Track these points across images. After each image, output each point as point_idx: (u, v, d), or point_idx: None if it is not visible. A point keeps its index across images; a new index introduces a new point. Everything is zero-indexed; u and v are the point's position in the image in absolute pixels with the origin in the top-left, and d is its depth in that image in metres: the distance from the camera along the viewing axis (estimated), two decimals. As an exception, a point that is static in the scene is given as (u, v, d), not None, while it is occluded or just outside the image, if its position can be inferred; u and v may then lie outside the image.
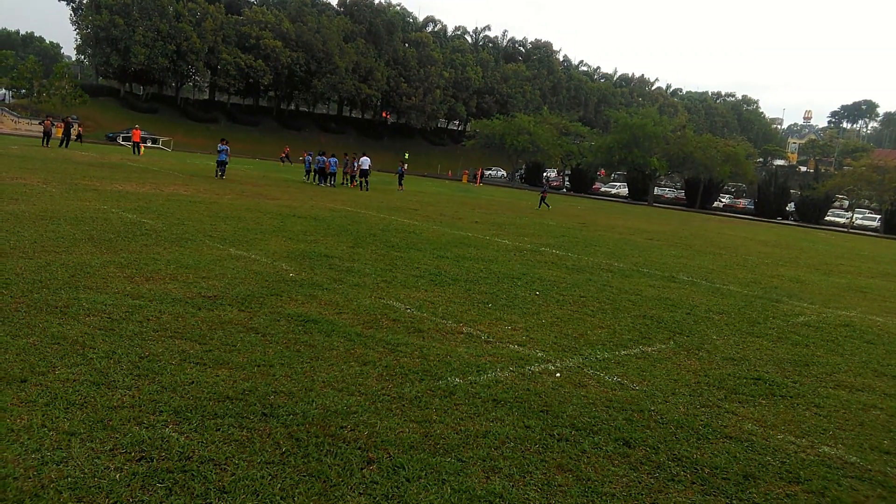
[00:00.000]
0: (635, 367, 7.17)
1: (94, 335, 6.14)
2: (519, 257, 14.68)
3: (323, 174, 34.89)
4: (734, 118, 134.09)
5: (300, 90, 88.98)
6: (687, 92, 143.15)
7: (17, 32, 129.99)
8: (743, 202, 73.20)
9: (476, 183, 66.22)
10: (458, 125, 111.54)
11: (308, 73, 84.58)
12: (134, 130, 48.14)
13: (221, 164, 29.81)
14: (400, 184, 39.42)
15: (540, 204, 35.90)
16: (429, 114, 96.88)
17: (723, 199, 74.31)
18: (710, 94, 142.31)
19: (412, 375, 6.09)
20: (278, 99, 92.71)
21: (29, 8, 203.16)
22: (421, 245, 14.73)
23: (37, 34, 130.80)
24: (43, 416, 4.47)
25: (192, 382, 5.32)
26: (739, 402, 6.41)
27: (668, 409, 6.00)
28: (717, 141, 71.03)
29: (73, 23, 79.77)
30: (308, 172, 36.60)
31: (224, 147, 30.45)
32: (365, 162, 34.85)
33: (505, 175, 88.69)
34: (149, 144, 59.62)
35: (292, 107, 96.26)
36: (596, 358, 7.37)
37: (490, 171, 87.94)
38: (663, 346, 8.23)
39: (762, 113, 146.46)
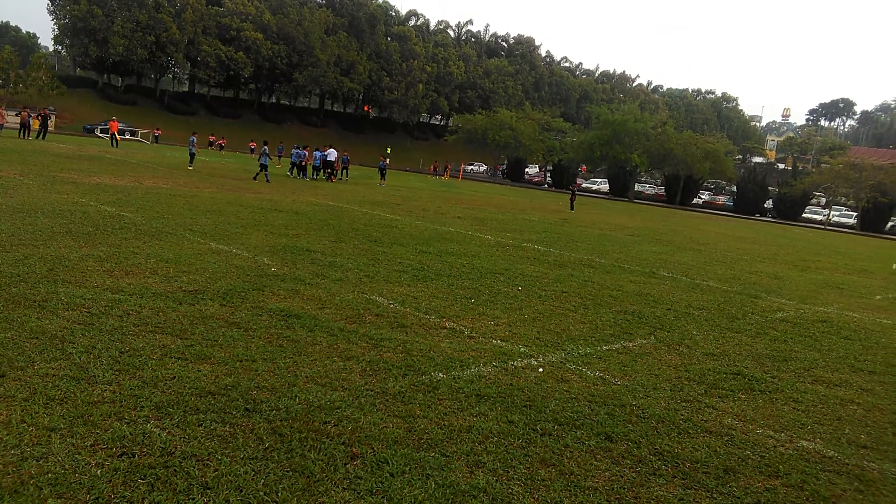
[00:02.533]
0: (617, 362, 7.22)
1: (73, 330, 6.07)
2: (501, 253, 14.71)
3: (302, 168, 34.79)
4: (714, 115, 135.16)
5: (281, 83, 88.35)
6: (667, 89, 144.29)
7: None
8: (722, 199, 73.90)
9: (445, 177, 66.42)
10: (441, 120, 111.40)
11: (289, 65, 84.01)
12: (111, 122, 47.58)
13: (263, 168, 28.56)
14: (382, 178, 39.36)
15: (572, 205, 35.99)
16: (411, 108, 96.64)
17: (702, 196, 74.97)
18: (690, 91, 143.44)
19: (396, 370, 6.08)
20: (259, 92, 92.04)
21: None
22: (403, 240, 14.71)
23: (13, 24, 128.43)
24: (22, 411, 4.41)
25: (174, 377, 5.28)
26: (719, 397, 6.48)
27: (650, 403, 6.05)
28: (697, 138, 71.59)
29: (50, 13, 78.31)
30: (294, 167, 36.14)
31: (266, 149, 29.29)
32: (331, 154, 34.97)
33: (486, 170, 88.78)
34: (127, 137, 59.05)
35: (273, 100, 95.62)
36: (578, 353, 7.41)
37: (472, 167, 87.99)
38: (644, 342, 8.29)
39: (741, 110, 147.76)
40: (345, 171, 37.85)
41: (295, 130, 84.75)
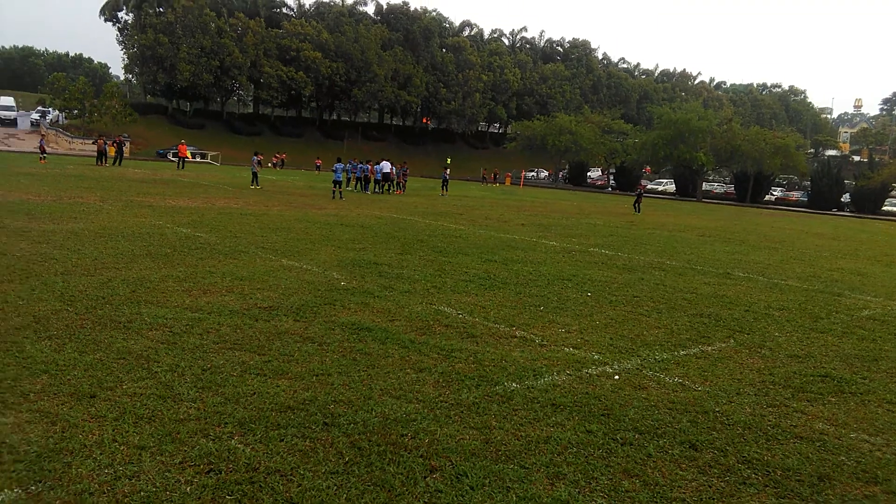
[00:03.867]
0: (696, 368, 7.01)
1: (157, 349, 6.27)
2: (568, 258, 14.54)
3: (366, 182, 35.38)
4: (782, 109, 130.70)
5: (341, 100, 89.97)
6: (731, 85, 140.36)
7: (67, 54, 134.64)
8: (796, 195, 71.32)
9: (506, 182, 66.73)
10: (499, 128, 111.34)
11: (348, 82, 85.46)
12: (180, 146, 49.38)
13: (337, 184, 28.91)
14: (444, 189, 39.53)
15: (637, 207, 35.49)
16: (469, 118, 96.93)
17: (775, 192, 72.53)
18: (755, 85, 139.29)
19: (468, 381, 6.05)
20: (320, 109, 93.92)
21: (77, 30, 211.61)
22: (468, 249, 14.71)
23: (85, 55, 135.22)
24: (113, 430, 4.57)
25: (254, 393, 5.39)
26: (808, 401, 6.22)
27: (734, 409, 5.85)
28: (766, 133, 69.39)
29: (119, 43, 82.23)
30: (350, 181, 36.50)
31: (340, 165, 29.71)
32: (385, 166, 35.48)
33: (548, 176, 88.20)
34: (198, 160, 61.18)
35: (334, 116, 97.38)
36: (654, 359, 7.23)
37: (532, 173, 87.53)
38: (723, 345, 8.04)
39: (810, 103, 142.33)
40: (389, 183, 37.15)
41: (356, 146, 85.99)
